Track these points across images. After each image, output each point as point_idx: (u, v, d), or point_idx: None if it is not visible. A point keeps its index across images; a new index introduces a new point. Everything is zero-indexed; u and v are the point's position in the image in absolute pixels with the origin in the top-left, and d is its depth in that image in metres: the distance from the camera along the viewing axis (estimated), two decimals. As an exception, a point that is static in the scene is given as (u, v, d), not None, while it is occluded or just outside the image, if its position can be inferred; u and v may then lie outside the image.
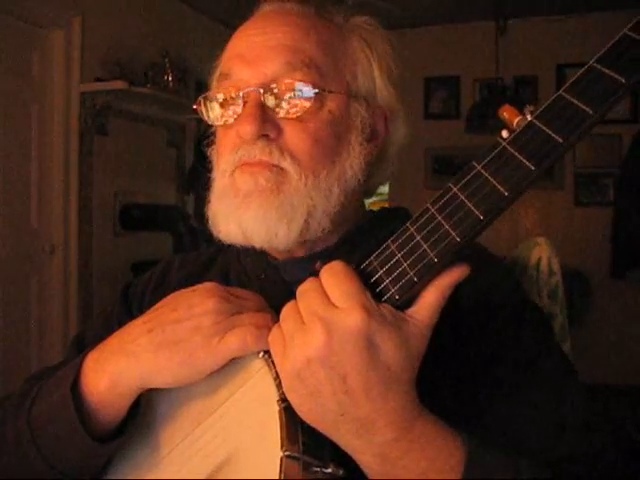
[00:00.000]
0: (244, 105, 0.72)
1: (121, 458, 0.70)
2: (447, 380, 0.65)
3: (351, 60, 0.77)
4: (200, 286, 0.66)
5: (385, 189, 4.62)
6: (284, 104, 0.71)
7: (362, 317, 0.51)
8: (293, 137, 0.71)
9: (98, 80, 3.23)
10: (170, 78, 3.59)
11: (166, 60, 3.59)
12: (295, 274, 0.75)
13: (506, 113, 0.53)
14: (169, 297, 0.67)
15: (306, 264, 0.74)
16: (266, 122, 0.71)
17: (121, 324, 0.69)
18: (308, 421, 0.56)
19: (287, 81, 0.71)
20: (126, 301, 0.88)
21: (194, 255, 0.92)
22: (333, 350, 0.52)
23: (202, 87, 4.06)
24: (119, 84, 3.19)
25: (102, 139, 3.37)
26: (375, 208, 0.89)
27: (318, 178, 0.72)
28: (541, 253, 0.89)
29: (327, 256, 0.72)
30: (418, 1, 3.97)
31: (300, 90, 0.71)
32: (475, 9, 4.21)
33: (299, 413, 0.56)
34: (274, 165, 0.71)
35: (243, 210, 0.72)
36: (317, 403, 0.54)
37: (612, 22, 3.97)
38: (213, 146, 0.82)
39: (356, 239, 0.78)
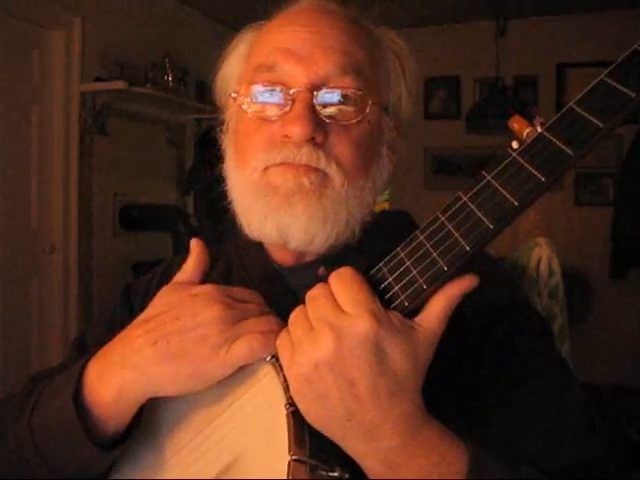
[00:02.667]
0: (293, 104, 0.70)
1: (126, 461, 0.70)
2: (450, 387, 0.65)
3: (386, 72, 0.77)
4: (200, 290, 0.65)
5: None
6: (333, 109, 0.71)
7: (371, 324, 0.52)
8: (339, 143, 0.71)
9: (98, 80, 3.23)
10: (170, 78, 3.58)
11: (166, 60, 3.58)
12: (300, 279, 0.75)
13: (516, 124, 0.54)
14: (169, 303, 0.65)
15: (311, 270, 0.74)
16: (316, 125, 0.69)
17: (123, 325, 0.68)
18: (315, 425, 0.56)
19: (338, 85, 0.70)
20: (127, 302, 0.88)
21: None
22: (342, 356, 0.52)
23: (202, 87, 4.06)
24: (119, 84, 3.19)
25: (102, 139, 3.36)
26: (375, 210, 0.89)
27: (357, 187, 0.72)
28: (541, 253, 0.89)
29: (333, 262, 0.72)
30: (418, 1, 3.97)
31: (349, 96, 0.71)
32: (475, 9, 4.21)
33: (306, 417, 0.56)
34: (319, 169, 0.70)
35: (284, 211, 0.70)
36: (324, 408, 0.54)
37: (612, 22, 3.97)
38: (225, 135, 0.80)
39: (362, 244, 0.77)
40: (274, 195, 0.71)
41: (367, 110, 0.72)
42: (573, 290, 3.87)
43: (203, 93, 3.94)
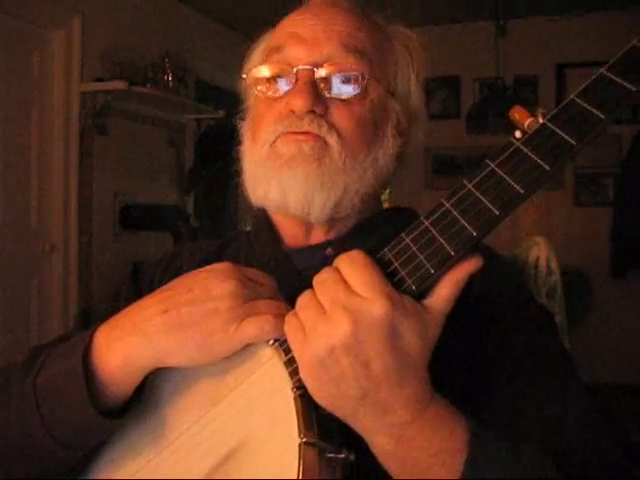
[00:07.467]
0: (296, 81, 0.75)
1: (120, 438, 0.69)
2: (453, 371, 0.66)
3: (393, 60, 0.81)
4: (215, 266, 0.66)
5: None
6: (334, 85, 0.75)
7: (387, 307, 0.53)
8: (339, 116, 0.75)
9: (98, 80, 3.23)
10: (170, 78, 3.59)
11: (166, 60, 3.59)
12: (306, 261, 0.77)
13: (517, 114, 0.55)
14: (183, 277, 0.67)
15: (318, 251, 0.77)
16: (316, 98, 0.73)
17: (128, 304, 0.69)
18: (327, 407, 0.57)
19: (340, 63, 0.75)
20: (135, 282, 0.88)
21: (204, 243, 0.92)
22: (358, 339, 0.53)
23: (202, 87, 4.06)
24: (119, 84, 3.19)
25: (102, 139, 3.37)
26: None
27: (356, 159, 0.75)
28: (539, 252, 0.90)
29: (339, 244, 0.76)
30: (418, 1, 3.97)
31: (351, 74, 0.75)
32: (475, 9, 4.21)
33: (318, 399, 0.57)
34: (320, 137, 0.73)
35: (285, 172, 0.74)
36: (339, 389, 0.55)
37: (612, 22, 3.97)
38: (244, 122, 0.85)
39: (369, 230, 0.79)
40: (276, 160, 0.75)
41: (370, 88, 0.76)
42: (573, 290, 3.88)
43: (203, 93, 3.94)
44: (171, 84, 3.59)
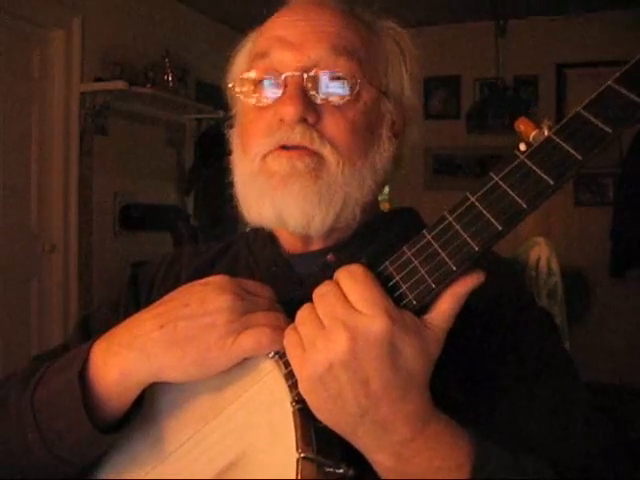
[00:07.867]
0: (285, 87, 0.72)
1: (121, 451, 0.69)
2: (455, 380, 0.66)
3: (384, 58, 0.78)
4: (211, 279, 0.65)
5: (385, 189, 4.61)
6: (324, 90, 0.72)
7: (387, 324, 0.52)
8: (332, 124, 0.72)
9: (98, 80, 3.23)
10: (170, 78, 3.59)
11: (166, 60, 3.59)
12: (307, 267, 0.76)
13: (522, 125, 0.54)
14: (179, 290, 0.66)
15: (319, 257, 0.76)
16: (307, 106, 0.70)
17: (128, 309, 0.68)
18: (326, 423, 0.56)
19: (330, 67, 0.72)
20: (134, 286, 0.87)
21: (204, 247, 0.91)
22: (357, 356, 0.52)
23: (202, 87, 4.06)
24: (119, 84, 3.19)
25: (102, 139, 3.37)
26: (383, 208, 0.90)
27: (354, 167, 0.72)
28: (540, 253, 0.90)
29: (339, 250, 0.75)
30: (418, 1, 3.97)
31: (341, 78, 0.72)
32: (475, 9, 4.21)
33: (318, 415, 0.56)
34: (314, 152, 0.71)
35: (280, 192, 0.71)
36: (337, 406, 0.54)
37: (612, 22, 3.97)
38: (233, 129, 0.83)
39: (369, 235, 0.78)
40: (269, 178, 0.72)
41: (362, 91, 0.73)
42: (572, 290, 3.87)
43: (203, 93, 3.94)
44: (171, 84, 3.58)
